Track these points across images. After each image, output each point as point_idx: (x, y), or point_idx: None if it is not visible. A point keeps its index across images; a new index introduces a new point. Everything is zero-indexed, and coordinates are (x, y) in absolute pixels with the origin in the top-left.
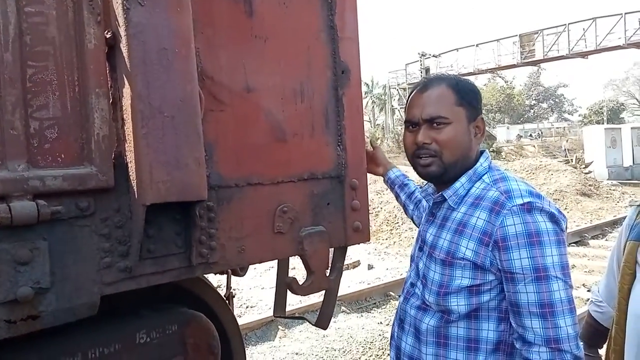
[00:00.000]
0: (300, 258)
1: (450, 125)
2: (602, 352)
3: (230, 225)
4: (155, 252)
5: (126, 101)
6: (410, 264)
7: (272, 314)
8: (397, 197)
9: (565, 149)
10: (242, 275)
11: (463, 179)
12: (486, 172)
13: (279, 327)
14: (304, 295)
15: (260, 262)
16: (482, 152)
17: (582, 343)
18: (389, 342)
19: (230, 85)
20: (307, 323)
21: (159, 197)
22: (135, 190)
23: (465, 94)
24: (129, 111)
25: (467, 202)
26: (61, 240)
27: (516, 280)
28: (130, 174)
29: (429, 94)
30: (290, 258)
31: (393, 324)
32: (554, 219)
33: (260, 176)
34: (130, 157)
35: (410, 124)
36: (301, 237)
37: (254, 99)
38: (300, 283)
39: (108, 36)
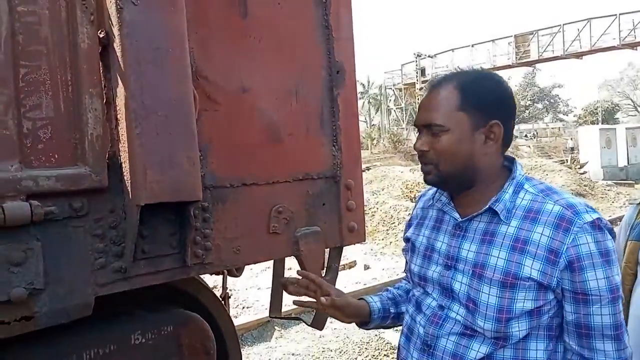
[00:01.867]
0: (296, 258)
1: (447, 132)
2: None
3: (225, 226)
4: (149, 252)
5: (120, 101)
6: (422, 283)
7: (268, 314)
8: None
9: (569, 148)
10: (238, 276)
11: (509, 190)
12: (526, 181)
13: (275, 327)
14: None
15: (255, 263)
16: (512, 160)
17: None
18: (395, 353)
19: (225, 85)
20: (304, 324)
21: (153, 197)
22: (129, 190)
23: (473, 96)
24: (122, 111)
25: (516, 214)
26: (55, 241)
27: (590, 301)
28: (124, 174)
29: (432, 96)
30: (286, 258)
31: (407, 348)
32: (612, 235)
33: (255, 176)
34: (124, 157)
35: (416, 128)
36: (296, 237)
37: (249, 99)
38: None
39: (101, 35)
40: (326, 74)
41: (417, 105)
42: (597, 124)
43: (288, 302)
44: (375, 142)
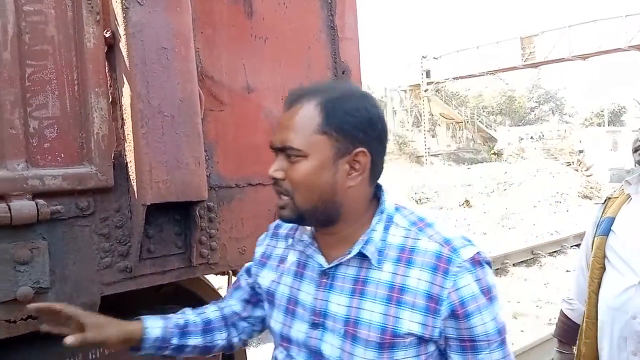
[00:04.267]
0: None
1: (305, 159)
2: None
3: (230, 226)
4: (155, 252)
5: (126, 100)
6: (284, 344)
7: None
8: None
9: (578, 151)
10: None
11: (378, 227)
12: (395, 212)
13: None
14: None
15: None
16: (378, 187)
17: (556, 340)
18: None
19: (231, 85)
20: None
21: (159, 197)
22: (135, 190)
23: (338, 117)
24: (128, 111)
25: (389, 256)
26: (61, 240)
27: (478, 347)
28: (129, 173)
29: (291, 113)
30: None
31: None
32: (490, 265)
33: (260, 176)
34: (130, 156)
35: (272, 149)
36: None
37: (254, 98)
38: None
39: (107, 35)
40: (332, 74)
41: (422, 107)
42: (603, 126)
43: None
44: None
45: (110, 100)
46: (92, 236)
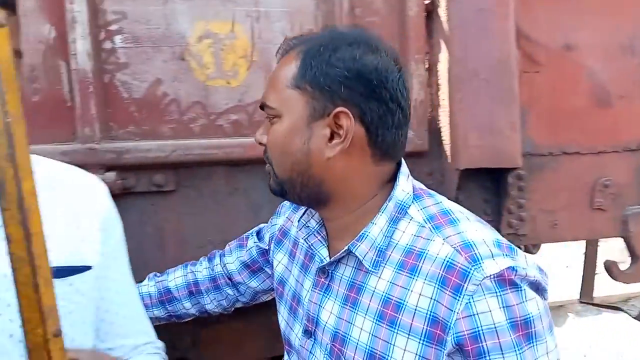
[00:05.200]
0: (624, 240)
1: (279, 120)
2: None
3: (541, 197)
4: None
5: (442, 66)
6: (287, 347)
7: (571, 298)
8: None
9: None
10: (534, 253)
11: (381, 219)
12: (413, 202)
13: (569, 313)
14: (626, 283)
15: (573, 240)
16: (397, 164)
17: None
18: None
19: (547, 43)
20: (612, 314)
21: (472, 163)
22: (449, 154)
23: (316, 68)
24: (444, 75)
25: (391, 259)
26: None
27: None
28: (442, 138)
29: (277, 66)
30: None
31: None
32: (540, 289)
33: (578, 144)
34: (443, 121)
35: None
36: (625, 216)
37: (573, 57)
38: (623, 269)
39: (427, 2)
40: None
41: None
42: None
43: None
44: None
45: (427, 66)
46: None
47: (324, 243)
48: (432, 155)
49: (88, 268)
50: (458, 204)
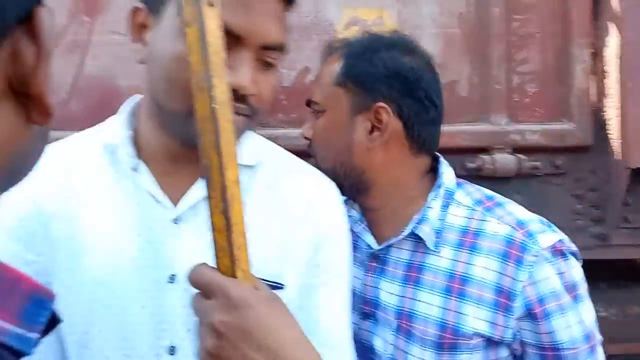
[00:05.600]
0: None
1: (323, 115)
2: None
3: None
4: (634, 222)
5: (610, 51)
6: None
7: None
8: None
9: None
10: None
11: (436, 204)
12: (457, 189)
13: None
14: None
15: None
16: (437, 158)
17: None
18: None
19: None
20: None
21: None
22: (618, 150)
23: (358, 67)
24: (613, 62)
25: (448, 240)
26: (534, 196)
27: (563, 358)
28: (609, 132)
29: (322, 66)
30: None
31: None
32: (577, 258)
33: None
34: (611, 113)
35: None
36: None
37: None
38: None
39: None
40: None
41: None
42: None
43: None
44: None
45: (592, 51)
46: (565, 196)
47: (369, 231)
48: (596, 151)
49: (280, 287)
50: (625, 206)
